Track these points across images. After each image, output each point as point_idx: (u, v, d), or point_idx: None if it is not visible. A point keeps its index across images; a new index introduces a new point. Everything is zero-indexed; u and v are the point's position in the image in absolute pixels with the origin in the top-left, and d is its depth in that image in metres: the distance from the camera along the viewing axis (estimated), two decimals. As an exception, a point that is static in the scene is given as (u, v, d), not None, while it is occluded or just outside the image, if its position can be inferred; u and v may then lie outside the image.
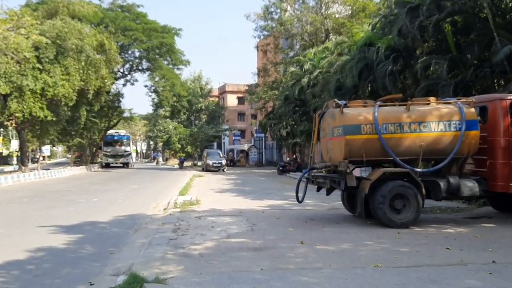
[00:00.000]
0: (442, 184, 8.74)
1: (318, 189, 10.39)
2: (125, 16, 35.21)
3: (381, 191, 8.49)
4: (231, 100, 69.87)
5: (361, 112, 9.05)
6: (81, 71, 24.19)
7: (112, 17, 33.55)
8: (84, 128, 35.43)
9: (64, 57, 23.37)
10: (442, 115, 8.92)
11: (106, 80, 28.25)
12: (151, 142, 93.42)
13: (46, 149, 69.96)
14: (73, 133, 35.12)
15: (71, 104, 23.92)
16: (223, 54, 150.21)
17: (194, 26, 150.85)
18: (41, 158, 68.51)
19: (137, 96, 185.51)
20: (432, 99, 9.60)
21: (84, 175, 32.01)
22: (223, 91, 71.19)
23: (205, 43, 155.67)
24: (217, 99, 71.48)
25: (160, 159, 48.15)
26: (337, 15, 39.54)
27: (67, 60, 23.31)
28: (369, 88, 18.58)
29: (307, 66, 29.87)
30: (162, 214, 11.17)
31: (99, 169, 42.47)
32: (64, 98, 23.46)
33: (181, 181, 23.71)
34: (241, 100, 69.27)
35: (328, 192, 10.22)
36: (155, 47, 36.65)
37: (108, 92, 38.65)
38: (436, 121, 8.83)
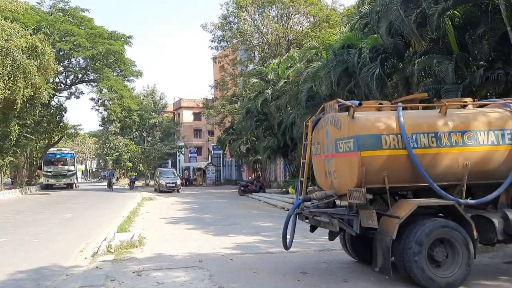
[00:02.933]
0: (497, 221, 6.02)
1: (313, 230, 7.38)
2: (66, 20, 31.26)
3: (415, 236, 5.63)
4: (187, 116, 66.74)
5: (379, 118, 6.24)
6: (6, 77, 20.18)
7: (50, 20, 29.54)
8: (17, 145, 30.80)
9: (-16, 59, 19.39)
10: (491, 121, 6.29)
11: (40, 90, 24.20)
12: (101, 161, 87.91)
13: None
14: (4, 151, 30.38)
15: (-8, 116, 19.85)
16: (179, 68, 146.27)
17: (146, 38, 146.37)
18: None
19: (86, 112, 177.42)
20: (468, 99, 6.98)
21: (15, 200, 27.40)
22: (178, 107, 67.88)
23: (159, 56, 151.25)
24: (172, 115, 67.91)
25: (114, 180, 40.20)
26: (298, 27, 37.65)
27: (-13, 64, 19.34)
28: (349, 96, 16.05)
29: (270, 76, 27.25)
30: (87, 265, 7.77)
31: (38, 191, 37.55)
32: (-17, 109, 19.38)
33: (129, 206, 20.12)
34: (197, 116, 66.43)
35: (333, 237, 7.23)
36: (101, 55, 32.82)
37: (46, 105, 34.37)
38: (484, 130, 6.17)
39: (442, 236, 5.72)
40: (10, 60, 20.16)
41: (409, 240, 5.63)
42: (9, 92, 20.82)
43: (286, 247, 6.85)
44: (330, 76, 15.75)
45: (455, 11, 11.93)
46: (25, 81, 21.08)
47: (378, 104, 6.76)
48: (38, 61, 22.62)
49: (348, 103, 6.30)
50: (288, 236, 6.83)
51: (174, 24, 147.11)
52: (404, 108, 6.50)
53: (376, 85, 13.30)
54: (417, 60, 12.24)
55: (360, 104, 6.22)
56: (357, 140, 5.96)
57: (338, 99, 6.86)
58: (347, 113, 6.32)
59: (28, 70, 20.99)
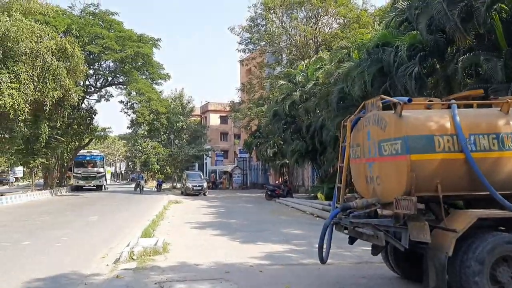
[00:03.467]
0: None
1: (352, 241, 6.65)
2: (95, 23, 31.52)
3: (475, 253, 4.87)
4: (214, 120, 66.81)
5: (431, 116, 5.51)
6: (36, 78, 20.27)
7: (81, 24, 29.83)
8: (48, 147, 31.15)
9: (14, 61, 19.47)
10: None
11: (70, 92, 24.30)
12: (130, 163, 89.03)
13: (19, 170, 64.96)
14: (35, 152, 30.79)
15: (22, 117, 19.90)
16: (206, 72, 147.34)
17: (174, 42, 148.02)
18: (12, 180, 64.03)
19: (116, 114, 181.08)
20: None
21: (44, 202, 27.65)
22: (205, 110, 68.01)
23: (187, 59, 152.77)
24: (199, 118, 68.08)
25: (143, 182, 37.85)
26: (327, 29, 36.84)
27: (18, 66, 19.41)
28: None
29: (299, 78, 26.58)
30: (107, 273, 7.31)
31: (68, 193, 38.03)
32: (13, 111, 19.45)
33: (155, 209, 19.82)
34: (224, 120, 66.42)
35: (377, 251, 6.50)
36: (130, 58, 32.93)
37: (76, 107, 34.75)
38: (554, 131, 5.35)
39: (506, 253, 4.94)
40: (40, 62, 20.21)
41: (468, 257, 4.87)
42: (39, 94, 20.89)
43: (322, 260, 6.18)
44: (363, 76, 14.97)
45: (502, 5, 11.02)
46: (54, 83, 21.14)
47: (428, 101, 6.02)
48: (68, 63, 22.66)
49: (394, 99, 5.59)
50: (324, 248, 6.16)
51: (202, 28, 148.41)
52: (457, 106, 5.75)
53: (414, 85, 12.45)
54: (461, 58, 11.34)
55: (410, 101, 5.50)
56: (405, 142, 5.25)
57: (382, 96, 6.16)
58: (392, 111, 5.61)
59: (58, 72, 21.04)
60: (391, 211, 5.51)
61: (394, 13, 14.98)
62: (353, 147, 6.48)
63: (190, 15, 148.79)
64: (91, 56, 32.37)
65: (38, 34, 20.04)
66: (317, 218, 16.27)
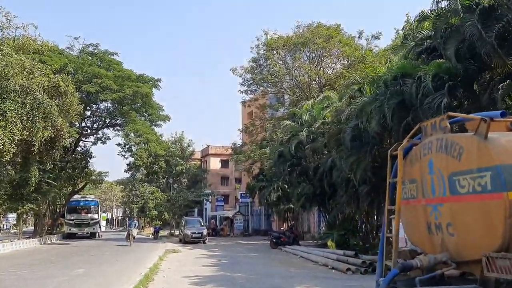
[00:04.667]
0: None
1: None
2: (94, 62, 30.69)
3: None
4: (214, 163, 65.37)
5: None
6: (25, 117, 18.89)
7: (78, 63, 28.97)
8: (38, 192, 29.39)
9: (2, 99, 18.17)
10: None
11: (63, 132, 22.89)
12: (127, 209, 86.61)
13: (12, 217, 62.55)
14: (24, 197, 28.97)
15: (7, 158, 18.32)
16: (207, 115, 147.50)
17: (174, 84, 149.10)
18: (8, 226, 61.57)
19: (114, 158, 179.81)
20: None
21: (30, 252, 25.53)
22: (205, 154, 66.70)
23: (188, 103, 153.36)
24: (199, 162, 66.61)
25: (135, 231, 29.83)
26: (330, 71, 36.15)
27: (6, 103, 18.08)
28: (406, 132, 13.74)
29: (305, 117, 25.28)
30: None
31: (58, 241, 35.80)
32: (-3, 151, 17.90)
33: (150, 259, 17.85)
34: (224, 164, 65.04)
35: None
36: (129, 99, 31.86)
37: (70, 149, 33.31)
38: None
39: None
40: (30, 99, 18.91)
41: None
42: (27, 133, 19.44)
43: None
44: (382, 110, 13.61)
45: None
46: (44, 122, 19.72)
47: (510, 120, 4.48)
48: (61, 101, 21.41)
49: (474, 116, 4.06)
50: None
51: (203, 70, 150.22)
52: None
53: (443, 117, 10.98)
54: (500, 85, 9.95)
55: (503, 115, 3.96)
56: (498, 173, 3.68)
57: (450, 113, 4.64)
58: (471, 133, 4.06)
59: (49, 110, 19.68)
60: (477, 274, 3.83)
61: (413, 42, 13.80)
62: (405, 184, 4.89)
63: (191, 58, 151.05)
64: (88, 97, 31.25)
65: (29, 70, 18.87)
66: (333, 271, 14.34)
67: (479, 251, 3.82)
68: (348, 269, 13.54)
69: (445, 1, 12.33)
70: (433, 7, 12.87)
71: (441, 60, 11.93)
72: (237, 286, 11.13)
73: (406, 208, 4.98)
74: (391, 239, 5.41)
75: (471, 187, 3.95)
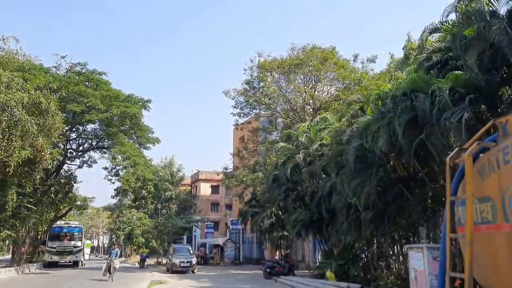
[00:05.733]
0: None
1: None
2: (80, 81, 29.41)
3: None
4: (205, 189, 63.85)
5: None
6: (0, 135, 17.42)
7: (64, 81, 27.67)
8: (16, 217, 27.52)
9: (-26, 116, 16.75)
10: None
11: (43, 153, 21.37)
12: (113, 236, 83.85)
13: (-10, 245, 59.80)
14: (1, 223, 27.06)
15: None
16: (198, 141, 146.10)
17: (164, 109, 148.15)
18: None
19: (102, 185, 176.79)
20: None
21: (4, 282, 23.50)
22: (196, 179, 65.15)
23: (177, 128, 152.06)
24: (189, 187, 64.95)
25: (117, 262, 23.95)
26: (324, 94, 35.38)
27: (-22, 120, 16.66)
28: (420, 151, 12.57)
29: (302, 139, 24.08)
30: None
31: (38, 270, 33.55)
32: (-32, 172, 16.36)
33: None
34: (215, 189, 63.61)
35: None
36: (116, 120, 30.53)
37: (52, 172, 31.65)
38: None
39: None
40: (7, 115, 17.47)
41: None
42: (3, 153, 17.91)
43: None
44: (391, 128, 12.47)
45: None
46: (22, 141, 18.23)
47: None
48: (41, 119, 19.98)
49: None
50: None
51: (193, 95, 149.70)
52: None
53: (465, 133, 9.83)
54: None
55: None
56: None
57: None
58: None
59: (27, 128, 18.22)
60: None
61: (424, 55, 12.78)
62: (476, 204, 3.58)
63: (182, 82, 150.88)
64: (73, 117, 29.81)
65: (6, 84, 17.51)
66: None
67: None
68: (355, 305, 12.04)
69: (457, 13, 11.48)
70: (443, 19, 12.02)
71: (459, 72, 10.87)
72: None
73: (482, 236, 3.66)
74: (458, 279, 4.00)
75: None
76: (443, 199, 14.45)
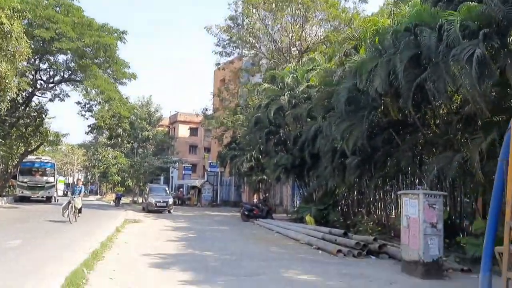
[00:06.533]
0: None
1: None
2: (49, 5, 26.88)
3: None
4: (183, 131, 62.76)
5: None
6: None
7: (31, 3, 25.10)
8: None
9: None
10: None
11: (7, 81, 19.60)
12: (89, 174, 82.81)
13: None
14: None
15: None
16: (176, 81, 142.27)
17: (142, 46, 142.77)
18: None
19: (78, 121, 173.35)
20: None
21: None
22: (174, 121, 63.79)
23: (155, 67, 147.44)
24: (166, 128, 63.62)
25: (79, 201, 18.60)
26: (313, 34, 33.63)
27: None
28: (419, 93, 11.65)
29: (288, 79, 22.87)
30: None
31: (9, 204, 32.50)
32: None
33: (105, 229, 15.38)
34: (193, 132, 62.63)
35: None
36: (90, 52, 28.44)
37: (22, 104, 29.85)
38: None
39: None
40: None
41: None
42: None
43: None
44: (392, 66, 11.38)
45: None
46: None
47: None
48: (4, 43, 18.06)
49: None
50: None
51: (174, 32, 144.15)
52: None
53: (475, 72, 8.86)
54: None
55: None
56: None
57: None
58: None
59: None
60: None
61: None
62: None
63: (159, 19, 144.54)
64: (42, 45, 27.54)
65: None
66: (320, 252, 12.30)
67: None
68: (339, 251, 11.53)
69: None
70: None
71: (473, 3, 9.71)
72: (208, 270, 8.88)
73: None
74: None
75: None
76: (435, 145, 13.88)
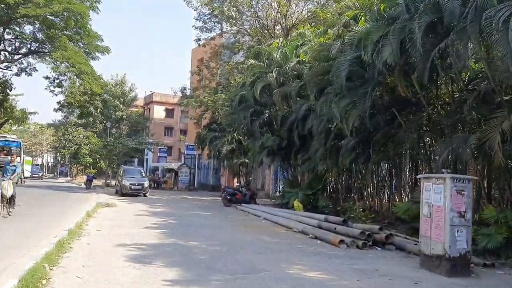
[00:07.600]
0: None
1: None
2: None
3: None
4: (158, 112, 60.55)
5: None
6: None
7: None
8: None
9: None
10: None
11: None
12: (58, 155, 79.43)
13: None
14: None
15: None
16: (152, 60, 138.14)
17: (117, 24, 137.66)
18: None
19: (48, 99, 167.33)
20: None
21: None
22: (149, 101, 61.43)
23: (132, 50, 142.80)
24: (141, 109, 61.12)
25: (9, 185, 12.86)
26: (298, 13, 32.11)
27: None
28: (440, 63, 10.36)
29: (276, 55, 21.33)
30: None
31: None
32: None
33: (74, 214, 13.69)
34: (169, 113, 60.55)
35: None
36: (59, 20, 26.10)
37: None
38: None
39: None
40: None
41: None
42: None
43: None
44: (406, 33, 10.03)
45: None
46: None
47: None
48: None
49: None
50: None
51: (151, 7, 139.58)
52: None
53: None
54: None
55: None
56: None
57: None
58: None
59: None
60: None
61: None
62: None
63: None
64: (6, 11, 25.04)
65: None
66: (318, 242, 11.02)
67: None
68: (341, 241, 10.27)
69: None
70: None
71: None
72: (197, 265, 7.45)
73: None
74: None
75: None
76: (443, 126, 12.72)
